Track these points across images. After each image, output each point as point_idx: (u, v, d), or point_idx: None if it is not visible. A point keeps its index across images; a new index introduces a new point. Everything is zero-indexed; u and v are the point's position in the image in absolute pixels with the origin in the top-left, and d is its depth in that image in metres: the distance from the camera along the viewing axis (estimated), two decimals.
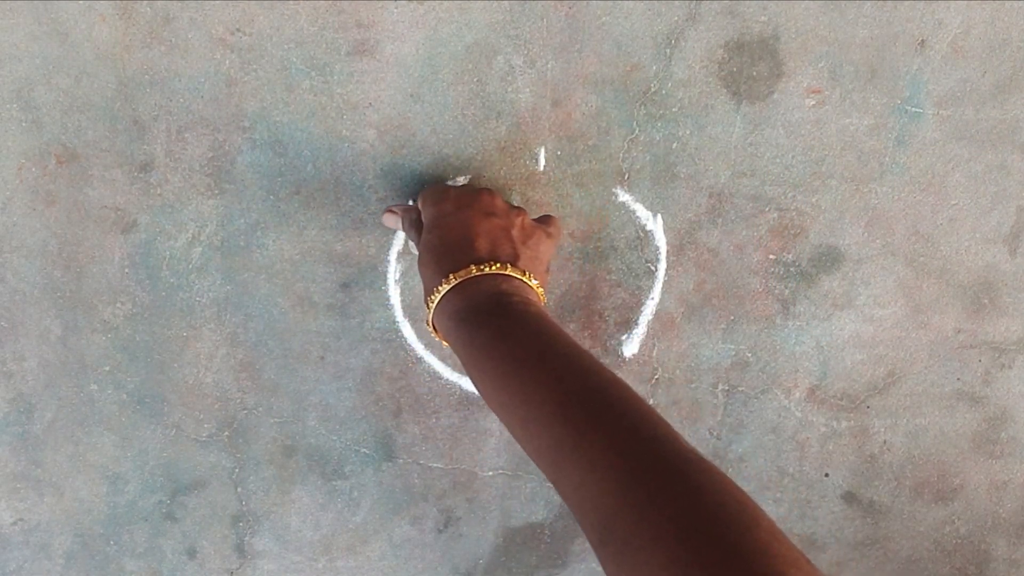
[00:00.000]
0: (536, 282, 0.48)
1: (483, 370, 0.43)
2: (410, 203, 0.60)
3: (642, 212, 0.62)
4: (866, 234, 0.64)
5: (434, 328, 0.49)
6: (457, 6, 0.56)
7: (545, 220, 0.55)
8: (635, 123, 0.60)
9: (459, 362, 0.66)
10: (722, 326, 0.66)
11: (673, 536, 0.32)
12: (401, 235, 0.62)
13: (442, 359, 0.66)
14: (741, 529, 0.32)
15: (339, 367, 0.65)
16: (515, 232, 0.50)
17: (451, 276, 0.47)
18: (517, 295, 0.46)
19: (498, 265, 0.47)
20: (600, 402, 0.38)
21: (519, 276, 0.47)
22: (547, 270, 0.53)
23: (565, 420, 0.38)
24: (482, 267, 0.47)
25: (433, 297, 0.48)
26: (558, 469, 0.38)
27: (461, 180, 0.61)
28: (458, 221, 0.50)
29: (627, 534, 0.33)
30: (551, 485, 0.41)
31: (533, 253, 0.50)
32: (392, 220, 0.58)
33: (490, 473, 0.69)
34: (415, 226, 0.54)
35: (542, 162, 0.61)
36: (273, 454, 0.67)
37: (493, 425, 0.68)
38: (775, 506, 0.71)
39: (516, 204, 0.56)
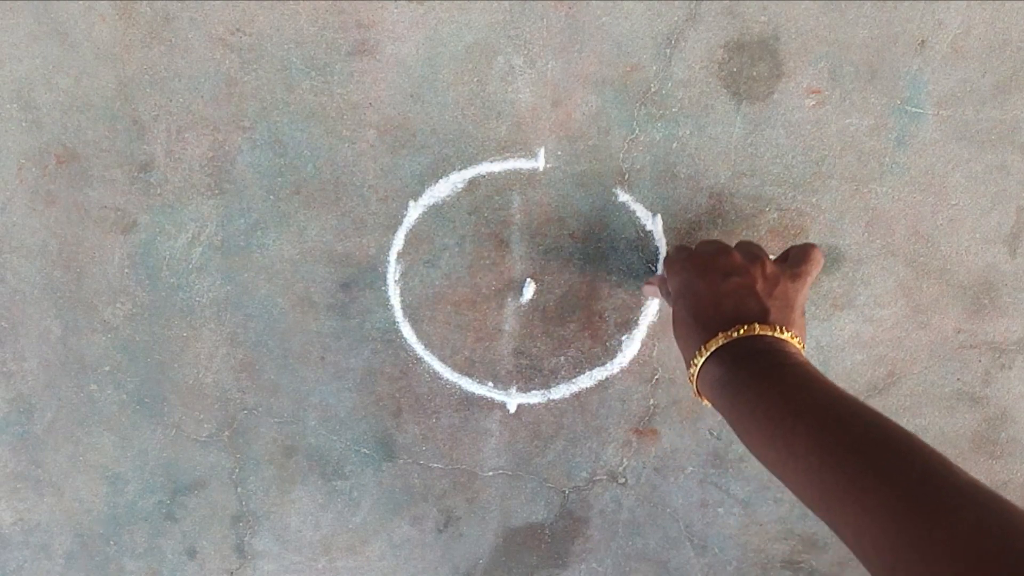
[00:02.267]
0: (788, 334, 0.47)
1: (749, 433, 0.44)
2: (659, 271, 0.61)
3: (642, 212, 0.62)
4: (866, 234, 0.64)
5: (700, 394, 0.49)
6: (457, 6, 0.56)
7: (795, 256, 0.53)
8: (635, 123, 0.60)
9: (459, 362, 0.66)
10: None
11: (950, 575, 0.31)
12: (401, 235, 0.62)
13: (442, 359, 0.66)
14: (1019, 558, 0.31)
15: (339, 367, 0.65)
16: (759, 286, 0.49)
17: (703, 348, 0.47)
18: (771, 351, 0.46)
19: (745, 328, 0.47)
20: (864, 446, 0.38)
21: (770, 332, 0.47)
22: (802, 313, 0.51)
23: (832, 468, 0.38)
24: (730, 333, 0.47)
25: (692, 371, 0.48)
26: (835, 517, 0.38)
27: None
28: (700, 289, 0.50)
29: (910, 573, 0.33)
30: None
31: (782, 303, 0.49)
32: (651, 291, 0.60)
33: (490, 473, 0.69)
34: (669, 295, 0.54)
35: (542, 162, 0.61)
36: (273, 454, 0.67)
37: (493, 425, 0.68)
38: (775, 506, 0.71)
39: (747, 249, 0.53)
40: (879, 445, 0.38)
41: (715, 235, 0.63)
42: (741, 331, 0.46)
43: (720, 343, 0.47)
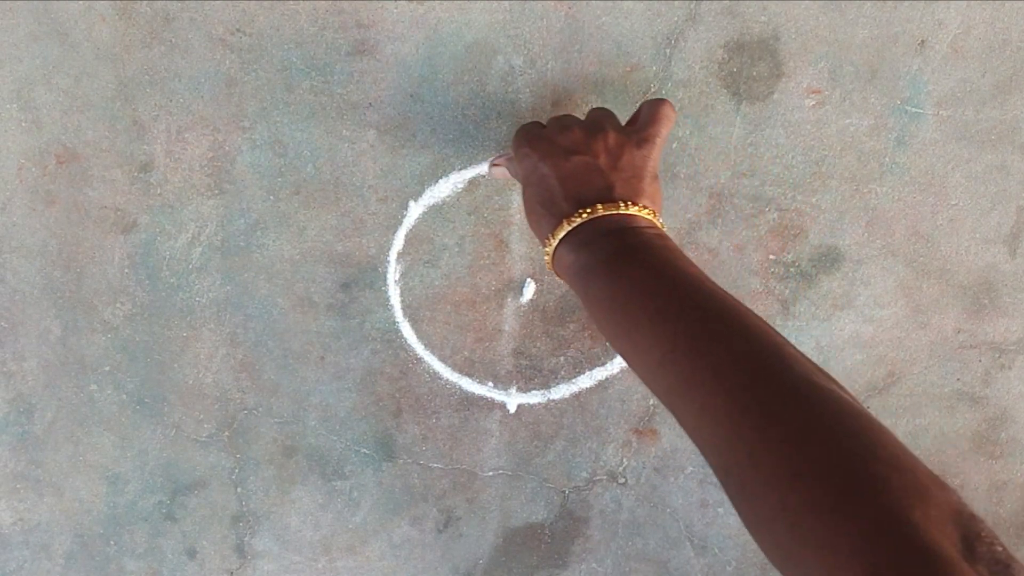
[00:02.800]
0: (637, 207, 0.45)
1: (599, 322, 0.42)
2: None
3: None
4: (866, 234, 0.64)
5: (561, 277, 0.47)
6: (457, 6, 0.56)
7: (643, 117, 0.49)
8: None
9: (459, 362, 0.66)
10: None
11: (785, 480, 0.30)
12: (401, 236, 0.62)
13: (442, 359, 0.66)
14: (855, 465, 0.29)
15: (339, 367, 0.65)
16: (602, 161, 0.46)
17: (551, 236, 0.45)
18: (618, 231, 0.43)
19: (588, 211, 0.44)
20: (701, 340, 0.37)
21: (614, 210, 0.44)
22: (654, 177, 0.48)
23: (674, 363, 0.37)
24: (572, 219, 0.44)
25: (546, 259, 0.46)
26: (676, 413, 0.37)
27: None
28: (545, 173, 0.47)
29: (742, 478, 0.32)
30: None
31: (628, 174, 0.46)
32: (500, 172, 0.56)
33: (490, 473, 0.69)
34: (533, 126, 0.52)
35: None
36: (273, 454, 0.67)
37: (493, 425, 0.68)
38: None
39: (592, 120, 0.50)
40: (715, 339, 0.37)
41: (715, 235, 0.63)
42: (584, 215, 0.44)
43: (565, 230, 0.44)
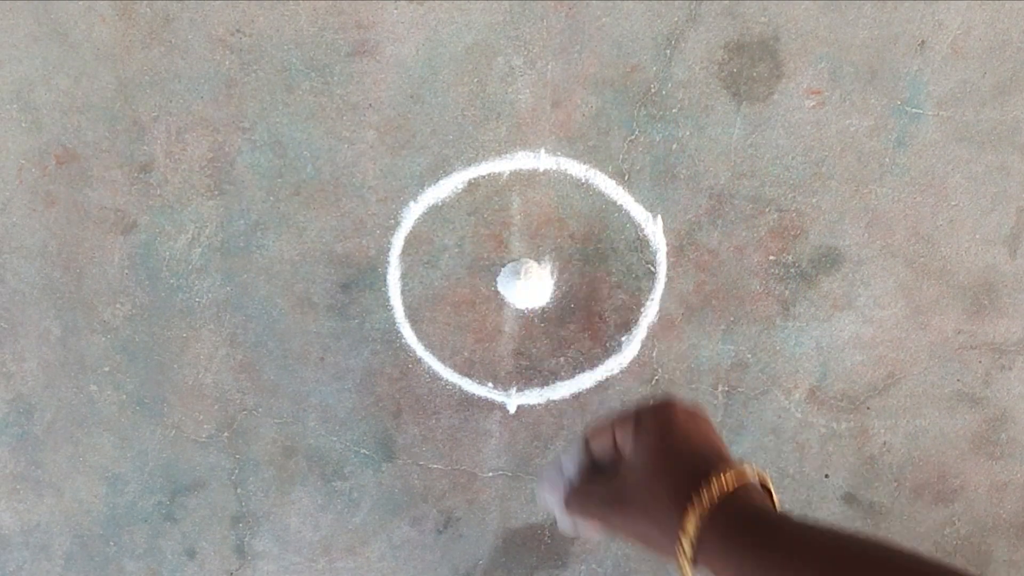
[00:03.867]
0: (700, 504, 0.37)
1: None
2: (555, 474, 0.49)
3: (642, 213, 0.62)
4: (866, 235, 0.64)
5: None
6: (457, 7, 0.56)
7: (644, 417, 0.43)
8: (635, 124, 0.60)
9: (458, 363, 0.66)
10: (722, 327, 0.66)
11: None
12: (401, 236, 0.62)
13: (442, 360, 0.66)
14: None
15: (339, 368, 0.65)
16: (633, 486, 0.40)
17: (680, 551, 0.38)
18: (725, 539, 0.37)
19: (686, 551, 0.37)
20: None
21: (690, 531, 0.37)
22: (701, 439, 0.41)
23: None
24: (681, 564, 0.37)
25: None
26: None
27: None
28: (618, 527, 0.41)
29: None
30: None
31: (670, 466, 0.40)
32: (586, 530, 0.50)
33: (490, 474, 0.69)
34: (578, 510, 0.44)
35: (542, 163, 0.61)
36: (273, 455, 0.67)
37: (493, 426, 0.68)
38: None
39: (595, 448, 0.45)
40: None
41: (715, 236, 0.63)
42: (686, 554, 0.37)
43: (684, 569, 0.38)
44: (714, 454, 0.40)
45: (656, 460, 0.40)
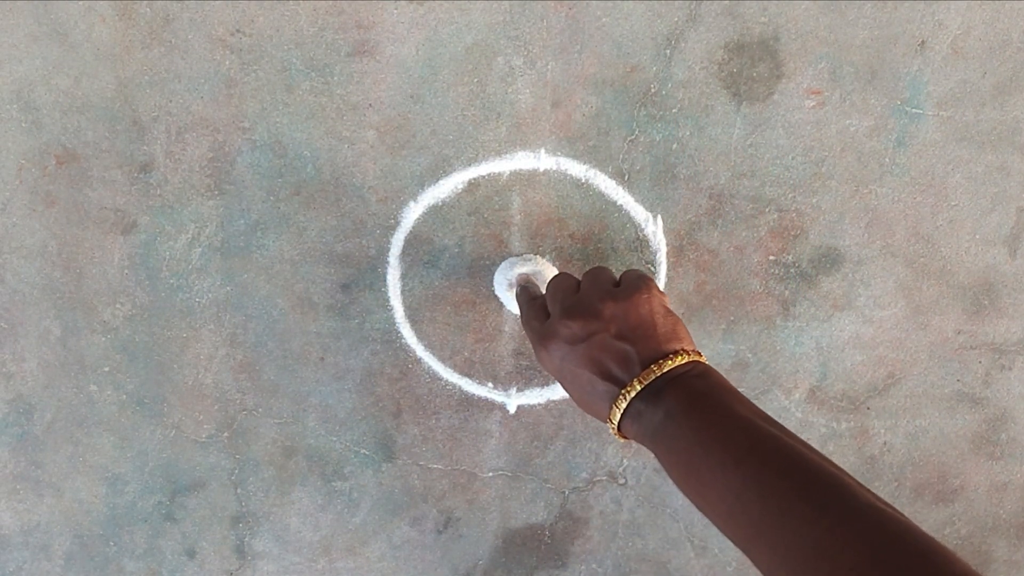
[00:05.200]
0: (664, 360, 0.45)
1: (678, 485, 0.44)
2: (535, 281, 0.59)
3: (642, 213, 0.62)
4: (866, 235, 0.64)
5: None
6: (457, 7, 0.56)
7: (625, 279, 0.50)
8: (635, 124, 0.60)
9: (458, 363, 0.66)
10: (722, 327, 0.66)
11: None
12: (401, 236, 0.62)
13: (442, 360, 0.66)
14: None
15: (339, 368, 0.65)
16: (613, 331, 0.46)
17: (609, 423, 0.46)
18: (658, 395, 0.44)
19: (624, 392, 0.45)
20: (769, 484, 0.39)
21: (648, 380, 0.45)
22: (666, 314, 0.48)
23: (743, 512, 0.39)
24: (618, 404, 0.45)
25: (614, 435, 0.47)
26: (752, 558, 0.39)
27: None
28: (569, 371, 0.48)
29: None
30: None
31: (641, 332, 0.46)
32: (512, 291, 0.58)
33: (490, 474, 0.69)
34: (537, 314, 0.52)
35: (542, 163, 0.61)
36: (273, 455, 0.67)
37: (493, 426, 0.68)
38: None
39: (589, 275, 0.51)
40: (777, 482, 0.39)
41: (715, 236, 0.63)
42: (623, 399, 0.45)
43: (617, 416, 0.45)
44: (679, 333, 0.47)
45: (631, 319, 0.47)
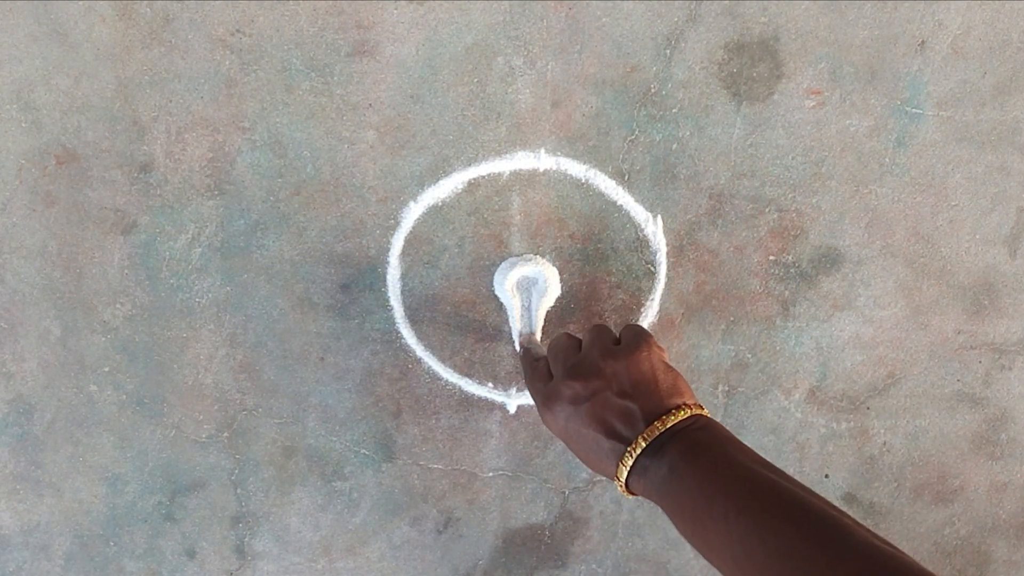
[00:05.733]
0: (667, 416, 0.46)
1: (685, 538, 0.45)
2: (536, 339, 0.60)
3: (642, 213, 0.62)
4: (866, 235, 0.64)
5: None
6: (457, 7, 0.56)
7: (625, 337, 0.51)
8: (635, 124, 0.60)
9: (459, 363, 0.66)
10: (722, 327, 0.66)
11: None
12: (401, 236, 0.62)
13: (442, 360, 0.66)
14: None
15: (339, 368, 0.65)
16: (615, 389, 0.47)
17: (617, 480, 0.47)
18: (660, 451, 0.45)
19: (630, 449, 0.45)
20: (771, 535, 0.40)
21: (649, 438, 0.45)
22: (667, 370, 0.49)
23: (746, 564, 0.40)
24: (624, 462, 0.46)
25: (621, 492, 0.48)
26: None
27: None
28: (573, 431, 0.48)
29: None
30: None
31: (644, 388, 0.47)
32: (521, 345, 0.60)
33: (490, 474, 0.69)
34: (540, 376, 0.53)
35: (542, 163, 0.61)
36: (273, 455, 0.67)
37: (493, 426, 0.68)
38: None
39: (590, 335, 0.52)
40: (777, 534, 0.40)
41: (715, 236, 0.63)
42: (629, 456, 0.45)
43: (624, 474, 0.46)
44: (679, 388, 0.48)
45: (632, 376, 0.48)
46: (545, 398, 0.50)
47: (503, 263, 0.62)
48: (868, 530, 0.39)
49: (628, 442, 0.46)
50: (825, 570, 0.36)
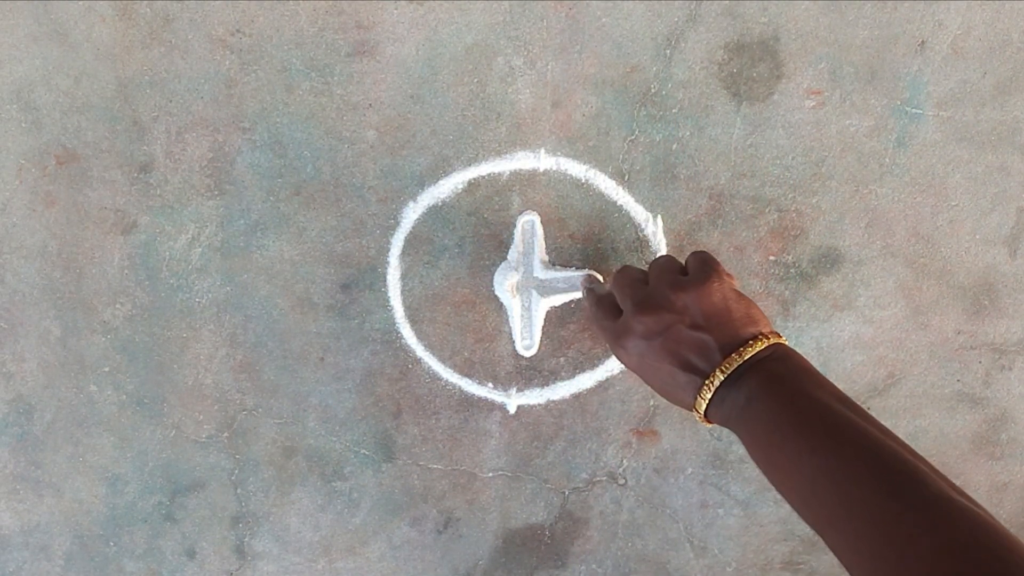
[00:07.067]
0: (744, 347, 0.45)
1: (762, 470, 0.45)
2: (598, 277, 0.60)
3: (642, 213, 0.62)
4: (866, 235, 0.64)
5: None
6: (457, 7, 0.56)
7: (692, 267, 0.50)
8: (635, 124, 0.60)
9: (458, 363, 0.66)
10: None
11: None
12: (401, 236, 0.62)
13: (442, 360, 0.66)
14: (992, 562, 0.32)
15: (339, 368, 0.65)
16: (688, 322, 0.47)
17: (696, 413, 0.47)
18: (739, 384, 0.44)
19: (708, 384, 0.45)
20: (843, 473, 0.39)
21: (726, 371, 0.45)
22: (739, 299, 0.48)
23: (817, 501, 0.40)
24: (703, 395, 0.45)
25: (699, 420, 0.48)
26: (827, 542, 0.39)
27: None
28: (649, 366, 0.48)
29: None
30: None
31: (717, 319, 0.46)
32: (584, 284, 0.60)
33: (490, 474, 0.69)
34: (608, 313, 0.52)
35: (542, 163, 0.61)
36: (272, 455, 0.67)
37: (493, 426, 0.68)
38: (776, 507, 0.71)
39: (656, 266, 0.51)
40: (850, 470, 0.39)
41: (715, 236, 0.63)
42: (707, 390, 0.45)
43: (703, 407, 0.46)
44: (753, 316, 0.47)
45: (704, 308, 0.47)
46: (616, 335, 0.50)
47: (503, 263, 0.62)
48: (944, 479, 0.37)
49: (705, 375, 0.46)
50: (894, 520, 0.35)
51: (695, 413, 0.47)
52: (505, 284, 0.61)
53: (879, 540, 0.35)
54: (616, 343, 0.50)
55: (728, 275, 0.49)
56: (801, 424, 0.42)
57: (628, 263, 0.63)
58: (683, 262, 0.52)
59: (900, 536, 0.35)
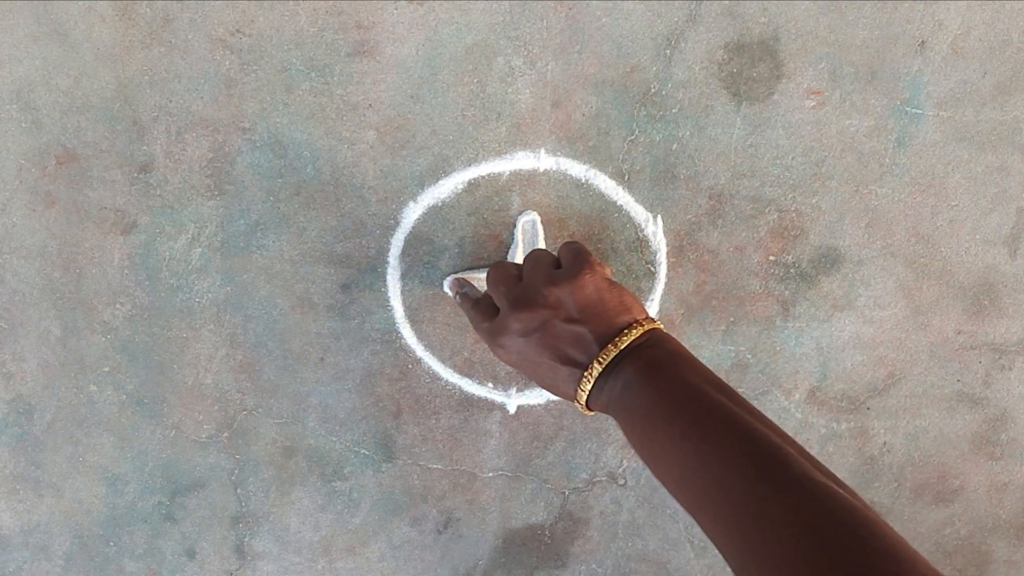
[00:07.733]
0: (618, 338, 0.46)
1: (639, 455, 0.46)
2: (469, 281, 0.61)
3: (642, 213, 0.62)
4: (866, 235, 0.64)
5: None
6: (457, 7, 0.56)
7: (564, 259, 0.51)
8: (635, 124, 0.60)
9: (458, 363, 0.66)
10: (722, 327, 0.66)
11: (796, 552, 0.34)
12: (401, 237, 0.62)
13: (442, 360, 0.66)
14: (852, 559, 0.33)
15: (339, 368, 0.65)
16: (562, 316, 0.47)
17: (577, 404, 0.47)
18: (613, 372, 0.45)
19: (587, 374, 0.46)
20: (711, 455, 0.40)
21: (604, 361, 0.45)
22: (611, 287, 0.48)
23: (688, 482, 0.40)
24: (582, 386, 0.46)
25: (581, 410, 0.48)
26: (699, 523, 0.40)
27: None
28: (528, 361, 0.48)
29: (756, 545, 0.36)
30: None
31: (591, 311, 0.47)
32: (452, 289, 0.60)
33: (490, 474, 0.69)
34: (484, 314, 0.53)
35: (542, 163, 0.61)
36: (272, 455, 0.67)
37: (493, 426, 0.68)
38: None
39: (528, 263, 0.52)
40: (718, 453, 0.40)
41: (715, 236, 0.63)
42: (586, 381, 0.46)
43: (583, 397, 0.46)
44: (627, 304, 0.47)
45: (578, 300, 0.47)
46: (493, 335, 0.50)
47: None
48: (810, 460, 0.38)
49: (583, 366, 0.46)
50: (759, 502, 0.36)
51: (577, 404, 0.47)
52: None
53: (746, 522, 0.36)
54: (494, 342, 0.50)
55: (600, 264, 0.50)
56: (674, 409, 0.42)
57: (629, 263, 0.63)
58: (556, 254, 0.52)
59: (766, 517, 0.36)
